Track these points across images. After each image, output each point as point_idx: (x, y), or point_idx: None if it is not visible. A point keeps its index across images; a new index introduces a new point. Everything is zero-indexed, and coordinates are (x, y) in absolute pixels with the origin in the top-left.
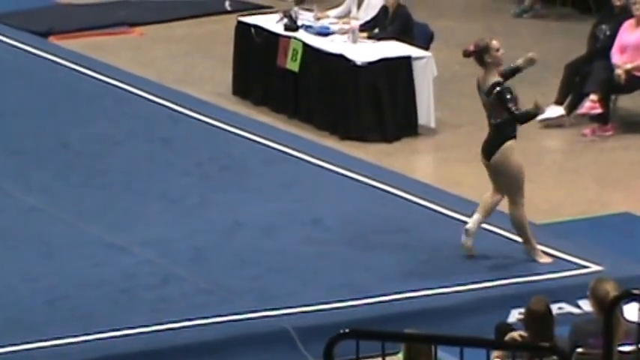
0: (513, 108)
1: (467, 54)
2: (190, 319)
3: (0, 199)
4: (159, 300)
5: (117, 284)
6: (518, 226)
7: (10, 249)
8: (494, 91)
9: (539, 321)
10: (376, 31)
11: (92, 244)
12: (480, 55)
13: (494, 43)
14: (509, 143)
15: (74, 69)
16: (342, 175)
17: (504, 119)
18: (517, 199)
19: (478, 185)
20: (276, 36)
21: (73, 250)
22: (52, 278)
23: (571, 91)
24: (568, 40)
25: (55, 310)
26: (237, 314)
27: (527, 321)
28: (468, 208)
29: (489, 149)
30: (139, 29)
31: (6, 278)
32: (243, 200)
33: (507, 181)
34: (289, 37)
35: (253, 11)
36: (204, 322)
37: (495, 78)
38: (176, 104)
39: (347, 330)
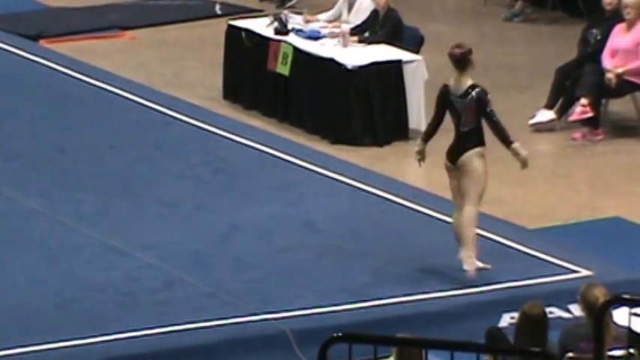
0: (494, 114)
1: (457, 56)
2: (194, 322)
3: (0, 204)
4: (162, 303)
5: (121, 287)
6: (468, 226)
7: (15, 253)
8: (473, 94)
9: (535, 325)
10: (366, 34)
11: (94, 248)
12: (468, 57)
13: None
14: (478, 149)
15: (65, 73)
16: (333, 179)
17: (476, 126)
18: (477, 200)
19: None
20: (266, 40)
21: (75, 253)
22: (58, 281)
23: (562, 95)
24: (559, 44)
25: (64, 312)
26: (238, 317)
27: (522, 325)
28: None
29: (458, 153)
30: (129, 33)
31: (13, 281)
32: (238, 204)
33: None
34: (280, 41)
35: (244, 15)
36: (207, 324)
37: (470, 80)
38: (167, 108)
39: (340, 334)
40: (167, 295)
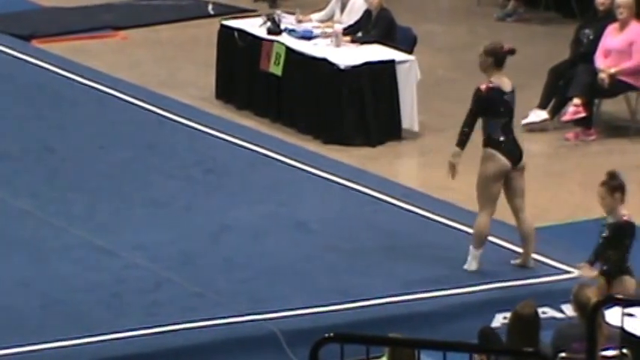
0: None
1: (504, 52)
2: (182, 322)
3: None
4: (151, 304)
5: (109, 288)
6: (532, 233)
7: (3, 253)
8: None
9: (526, 325)
10: (359, 34)
11: (82, 249)
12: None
13: None
14: None
15: (57, 73)
16: (326, 179)
17: None
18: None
19: (461, 189)
20: (259, 40)
21: (63, 254)
22: (45, 282)
23: (554, 95)
24: (552, 43)
25: (50, 313)
26: (227, 317)
27: (513, 325)
28: (452, 212)
29: (520, 153)
30: (122, 33)
31: (1, 282)
32: (229, 204)
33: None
34: (272, 41)
35: (236, 15)
36: (195, 325)
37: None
38: (159, 108)
39: (331, 334)
40: (156, 295)
